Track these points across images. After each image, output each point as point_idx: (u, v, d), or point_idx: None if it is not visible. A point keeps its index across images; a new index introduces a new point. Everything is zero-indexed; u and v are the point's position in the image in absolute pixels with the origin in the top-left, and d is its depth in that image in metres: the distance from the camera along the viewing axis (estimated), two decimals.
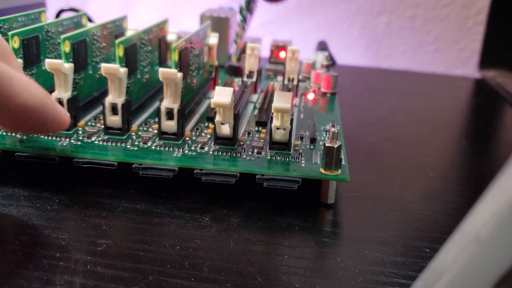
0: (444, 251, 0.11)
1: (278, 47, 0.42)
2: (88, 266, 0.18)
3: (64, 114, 0.21)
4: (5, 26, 0.26)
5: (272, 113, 0.24)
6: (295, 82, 0.34)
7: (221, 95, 0.23)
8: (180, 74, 0.24)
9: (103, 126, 0.25)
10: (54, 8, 0.50)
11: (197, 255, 0.19)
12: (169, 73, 0.24)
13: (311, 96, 0.34)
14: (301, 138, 0.26)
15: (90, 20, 0.45)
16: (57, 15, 0.47)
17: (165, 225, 0.21)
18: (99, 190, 0.23)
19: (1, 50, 0.20)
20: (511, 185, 0.10)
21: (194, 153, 0.24)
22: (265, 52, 0.46)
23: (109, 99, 0.25)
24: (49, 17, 0.46)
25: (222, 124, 0.24)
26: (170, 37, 0.34)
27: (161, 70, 0.24)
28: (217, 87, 0.24)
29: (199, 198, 0.23)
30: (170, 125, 0.25)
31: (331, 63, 0.41)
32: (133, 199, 0.23)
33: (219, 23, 0.40)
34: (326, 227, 0.21)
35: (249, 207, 0.22)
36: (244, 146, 0.25)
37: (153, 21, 0.32)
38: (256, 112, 0.30)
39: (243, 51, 0.40)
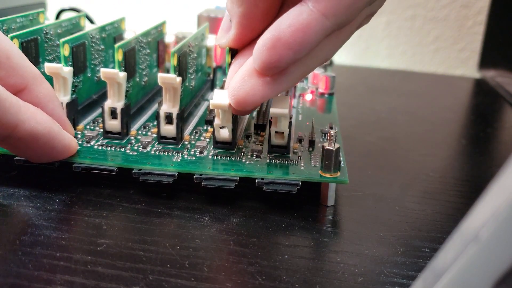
0: (443, 251, 0.11)
1: None
2: (89, 266, 0.18)
3: (71, 140, 0.23)
4: (4, 27, 0.26)
5: (271, 117, 0.24)
6: None
7: (220, 97, 0.23)
8: (179, 79, 0.24)
9: (102, 130, 0.25)
10: (55, 7, 0.50)
11: (197, 255, 0.19)
12: (168, 78, 0.24)
13: (309, 97, 0.35)
14: (300, 140, 0.26)
15: (90, 20, 0.45)
16: (58, 15, 0.47)
17: (165, 225, 0.21)
18: (100, 190, 0.23)
19: (30, 76, 0.22)
20: (511, 185, 0.10)
21: (194, 158, 0.24)
22: None
23: (108, 104, 0.25)
24: (49, 17, 0.46)
25: (221, 128, 0.24)
26: (168, 38, 0.34)
27: (160, 75, 0.23)
28: (215, 90, 0.24)
29: (199, 198, 0.23)
30: (169, 130, 0.25)
31: (328, 63, 0.41)
32: (133, 199, 0.23)
33: (217, 24, 0.40)
34: (326, 227, 0.21)
35: (249, 207, 0.23)
36: (243, 150, 0.25)
37: (150, 21, 0.32)
38: (254, 113, 0.30)
39: None
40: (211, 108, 0.23)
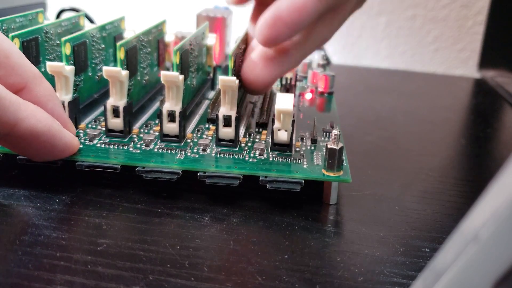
0: (443, 250, 0.11)
1: None
2: (89, 266, 0.18)
3: (73, 138, 0.23)
4: (3, 27, 0.26)
5: (274, 115, 0.24)
6: (292, 82, 0.34)
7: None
8: (181, 77, 0.24)
9: (104, 129, 0.25)
10: (55, 7, 0.50)
11: (197, 255, 0.19)
12: (171, 76, 0.24)
13: (308, 96, 0.35)
14: (302, 139, 0.26)
15: (90, 19, 0.45)
16: (58, 15, 0.47)
17: (165, 225, 0.21)
18: (100, 189, 0.23)
19: (30, 75, 0.22)
20: (511, 184, 0.10)
21: (197, 156, 0.24)
22: None
23: (110, 102, 0.25)
24: (50, 17, 0.46)
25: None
26: (168, 38, 0.34)
27: (164, 73, 0.24)
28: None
29: (199, 197, 0.23)
30: (172, 128, 0.25)
31: (327, 62, 0.41)
32: (133, 199, 0.23)
33: (216, 23, 0.40)
34: (326, 226, 0.21)
35: (249, 207, 0.23)
36: (246, 148, 0.25)
37: (149, 20, 0.32)
38: (257, 111, 0.30)
39: None
40: (219, 86, 0.24)
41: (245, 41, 0.29)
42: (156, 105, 0.30)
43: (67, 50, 0.25)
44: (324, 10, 0.24)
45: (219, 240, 0.20)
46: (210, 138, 0.26)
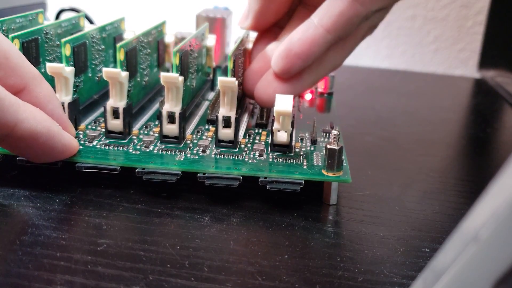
0: (443, 250, 0.11)
1: None
2: (89, 266, 0.18)
3: (72, 140, 0.23)
4: (3, 28, 0.26)
5: (273, 116, 0.24)
6: None
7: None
8: (181, 78, 0.24)
9: (104, 130, 0.25)
10: (55, 7, 0.50)
11: (197, 255, 0.19)
12: (171, 78, 0.24)
13: (308, 96, 0.35)
14: (301, 139, 0.26)
15: (89, 20, 0.45)
16: (58, 15, 0.47)
17: (165, 225, 0.21)
18: (100, 190, 0.23)
19: (30, 76, 0.22)
20: (511, 185, 0.10)
21: (197, 157, 0.24)
22: None
23: (110, 103, 0.25)
24: (49, 17, 0.46)
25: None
26: (168, 39, 0.34)
27: (163, 74, 0.24)
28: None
29: (199, 198, 0.23)
30: (171, 129, 0.25)
31: None
32: (133, 199, 0.23)
33: (215, 24, 0.40)
34: (326, 226, 0.21)
35: (249, 207, 0.23)
36: (246, 149, 0.25)
37: (148, 21, 0.32)
38: (256, 112, 0.30)
39: None
40: (219, 87, 0.24)
41: (244, 43, 0.29)
42: (155, 106, 0.30)
43: (67, 51, 0.25)
44: (334, 40, 0.25)
45: (219, 240, 0.20)
46: (209, 139, 0.26)
